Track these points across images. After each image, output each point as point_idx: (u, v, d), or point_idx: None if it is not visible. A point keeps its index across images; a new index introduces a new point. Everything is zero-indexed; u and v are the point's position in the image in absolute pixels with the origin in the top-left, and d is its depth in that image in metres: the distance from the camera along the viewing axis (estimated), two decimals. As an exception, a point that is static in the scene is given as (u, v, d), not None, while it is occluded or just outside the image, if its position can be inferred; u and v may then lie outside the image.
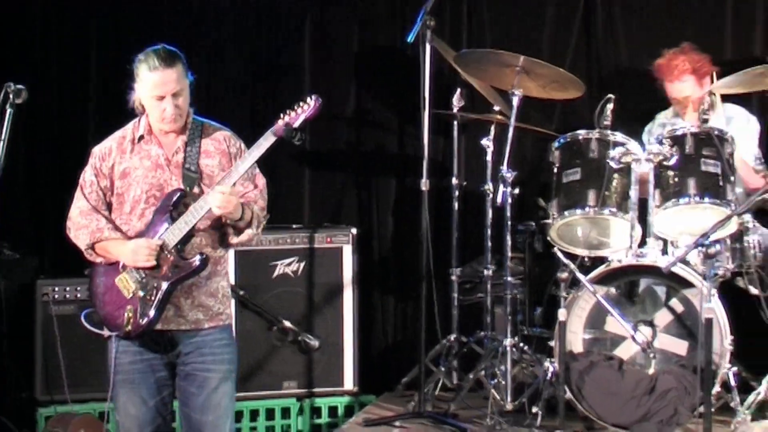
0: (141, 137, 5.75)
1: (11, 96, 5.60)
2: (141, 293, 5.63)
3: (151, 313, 5.61)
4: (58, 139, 8.66)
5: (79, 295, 7.67)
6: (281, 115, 5.65)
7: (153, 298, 5.62)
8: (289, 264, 7.97)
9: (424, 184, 7.58)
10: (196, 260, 5.64)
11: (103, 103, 8.60)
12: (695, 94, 7.72)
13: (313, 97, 5.67)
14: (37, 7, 8.71)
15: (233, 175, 5.60)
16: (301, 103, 5.68)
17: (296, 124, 5.63)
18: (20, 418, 7.57)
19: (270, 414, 7.92)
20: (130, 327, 5.63)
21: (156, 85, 5.63)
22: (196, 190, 5.69)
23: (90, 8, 8.75)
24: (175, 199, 5.64)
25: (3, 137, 5.57)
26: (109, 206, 5.76)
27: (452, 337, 7.91)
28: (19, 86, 5.60)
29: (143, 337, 5.67)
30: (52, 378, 7.61)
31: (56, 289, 7.71)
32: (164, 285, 5.63)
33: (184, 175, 5.69)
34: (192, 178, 5.69)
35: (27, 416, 7.61)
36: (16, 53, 8.53)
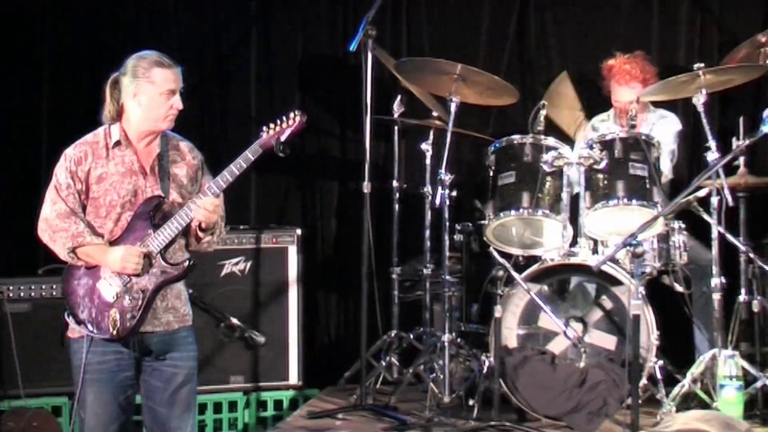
0: (117, 143, 5.68)
1: None
2: (126, 297, 5.57)
3: (138, 315, 5.57)
4: (8, 148, 8.54)
5: (33, 294, 7.63)
6: (265, 128, 5.65)
7: (139, 302, 5.58)
8: (237, 263, 8.00)
9: (366, 187, 7.62)
10: (185, 265, 5.66)
11: (58, 114, 8.54)
12: (634, 100, 7.78)
13: (298, 112, 5.69)
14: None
15: (220, 184, 5.59)
16: (285, 118, 5.66)
17: (283, 138, 5.65)
18: (-24, 413, 7.52)
19: (218, 407, 7.92)
20: (117, 330, 5.58)
21: (169, 80, 5.62)
22: (171, 197, 5.69)
23: (44, 15, 8.67)
24: (154, 205, 5.62)
25: None
26: (83, 208, 5.66)
27: (392, 333, 7.95)
28: None
29: (125, 338, 5.62)
30: (6, 374, 7.55)
31: (10, 288, 7.64)
32: (150, 289, 5.61)
33: (161, 183, 5.67)
34: (166, 186, 5.68)
35: (-19, 412, 7.56)
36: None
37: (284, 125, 5.71)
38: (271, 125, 5.70)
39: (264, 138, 5.67)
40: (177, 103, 5.66)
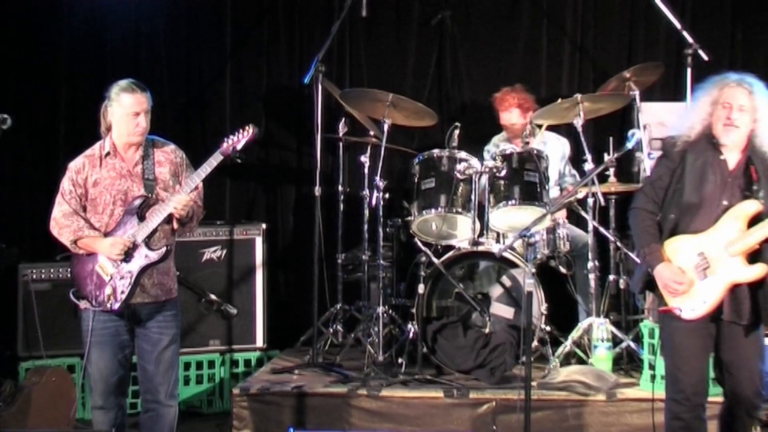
0: (108, 153, 5.73)
1: None
2: (118, 277, 5.63)
3: (127, 290, 5.64)
4: (33, 157, 8.51)
5: (52, 276, 7.60)
6: (225, 139, 5.71)
7: (128, 280, 5.63)
8: (214, 251, 7.94)
9: (317, 191, 7.54)
10: (163, 251, 5.68)
11: (70, 131, 8.49)
12: (519, 122, 7.77)
13: (251, 126, 5.76)
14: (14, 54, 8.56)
15: (190, 185, 5.65)
16: (241, 130, 5.73)
17: (239, 147, 5.72)
18: (4, 370, 7.47)
19: (199, 365, 7.86)
20: (111, 302, 5.63)
21: (134, 103, 5.65)
22: (155, 194, 5.71)
23: (57, 54, 8.60)
24: (140, 203, 5.66)
25: None
26: (84, 208, 5.72)
27: (338, 306, 7.91)
28: (4, 115, 5.48)
29: (118, 309, 5.65)
30: (30, 339, 7.51)
31: (34, 271, 7.60)
32: (136, 270, 5.65)
33: (145, 183, 5.71)
34: (150, 185, 5.71)
35: (10, 369, 7.52)
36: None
37: (240, 136, 5.76)
38: (231, 136, 5.74)
39: (223, 147, 5.74)
40: (141, 121, 5.68)
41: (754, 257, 5.28)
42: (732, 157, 5.38)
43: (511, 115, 7.85)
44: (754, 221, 5.24)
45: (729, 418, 5.54)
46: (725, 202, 5.31)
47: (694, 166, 5.37)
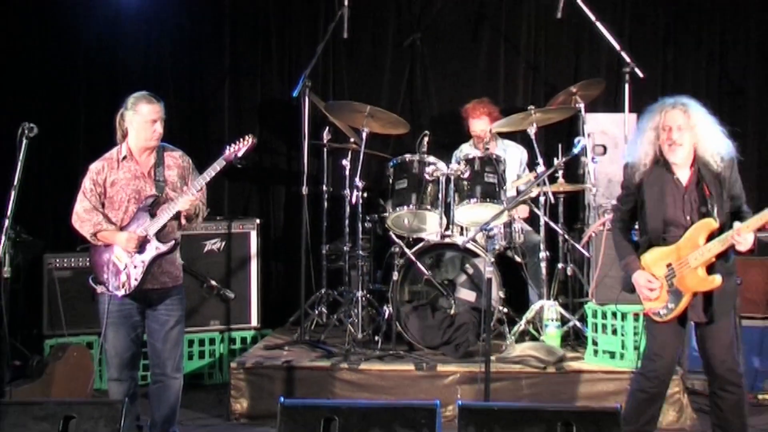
0: (124, 157, 5.73)
1: (26, 131, 5.51)
2: (132, 266, 5.63)
3: (140, 278, 5.64)
4: (56, 161, 8.49)
5: (73, 264, 7.57)
6: (228, 147, 5.74)
7: (140, 269, 5.64)
8: (214, 243, 7.91)
9: (304, 190, 7.57)
10: (171, 243, 5.70)
11: (90, 134, 8.48)
12: (486, 129, 7.77)
13: (251, 135, 5.79)
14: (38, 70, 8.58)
15: (196, 186, 5.66)
16: (242, 139, 5.75)
17: (240, 154, 5.76)
18: (31, 347, 7.47)
19: (201, 342, 7.84)
20: (126, 288, 5.65)
21: (151, 111, 5.67)
22: (165, 193, 5.71)
23: (76, 71, 8.62)
24: (152, 201, 5.68)
25: (21, 161, 5.48)
26: (102, 205, 5.72)
27: (322, 290, 7.88)
28: (31, 125, 5.52)
29: (131, 293, 5.66)
30: (54, 320, 7.50)
31: (57, 260, 7.58)
32: (148, 260, 5.66)
33: (156, 184, 5.72)
34: (161, 185, 5.71)
35: (36, 346, 7.51)
36: (25, 99, 8.45)
37: (240, 145, 5.78)
38: (233, 144, 5.77)
39: (226, 154, 5.77)
40: (158, 128, 5.70)
41: (711, 268, 5.34)
42: (683, 174, 5.41)
43: (480, 122, 7.85)
44: (712, 236, 5.30)
45: (711, 393, 5.62)
46: (688, 218, 5.35)
47: (652, 195, 5.41)
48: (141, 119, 5.69)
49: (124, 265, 5.67)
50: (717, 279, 5.33)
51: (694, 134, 5.35)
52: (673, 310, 5.42)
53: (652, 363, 5.54)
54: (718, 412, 5.56)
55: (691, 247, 5.32)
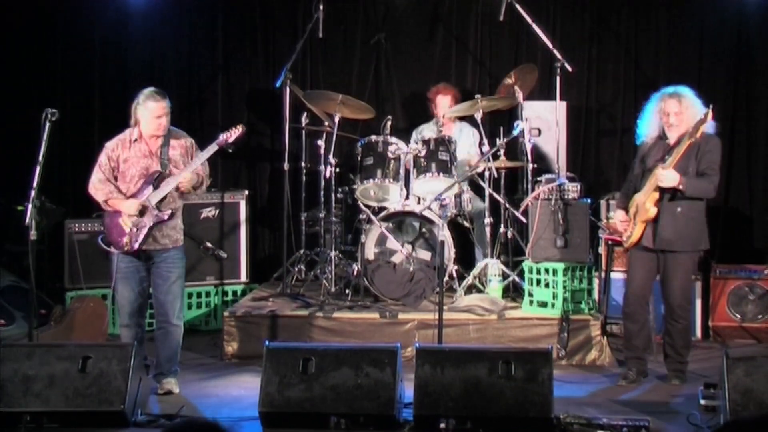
0: (136, 140, 5.75)
1: (49, 116, 5.49)
2: (135, 229, 5.66)
3: (141, 239, 5.68)
4: (75, 140, 8.37)
5: (90, 228, 7.52)
6: (221, 133, 5.79)
7: (142, 231, 5.67)
8: (210, 211, 7.89)
9: (285, 166, 7.53)
10: (167, 213, 5.72)
11: (103, 117, 8.36)
12: (448, 108, 7.73)
13: (241, 125, 5.86)
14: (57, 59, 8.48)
15: (193, 165, 5.70)
16: (234, 128, 5.81)
17: (231, 140, 5.78)
18: (55, 298, 7.49)
19: (198, 295, 7.83)
20: (128, 247, 5.68)
21: (157, 108, 5.66)
22: (168, 170, 5.74)
23: (92, 63, 8.51)
24: (156, 176, 5.70)
25: (44, 141, 5.47)
26: (115, 178, 5.74)
27: (301, 251, 7.79)
28: (53, 110, 5.50)
29: (135, 252, 5.69)
30: (74, 275, 7.51)
31: (76, 225, 7.56)
32: (148, 224, 5.68)
33: (161, 162, 5.74)
34: (165, 163, 5.74)
35: (59, 297, 7.51)
36: (49, 89, 8.37)
37: (232, 133, 5.82)
38: (226, 132, 5.82)
39: (219, 140, 5.82)
40: (163, 122, 5.70)
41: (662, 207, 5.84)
42: (673, 137, 5.89)
43: (446, 99, 7.80)
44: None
45: (664, 320, 6.08)
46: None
47: (650, 155, 5.93)
48: (149, 114, 5.70)
49: (129, 228, 5.70)
50: (652, 210, 5.77)
51: (687, 116, 5.78)
52: (630, 237, 5.90)
53: (627, 285, 6.07)
54: (668, 336, 6.00)
55: (648, 189, 5.81)
